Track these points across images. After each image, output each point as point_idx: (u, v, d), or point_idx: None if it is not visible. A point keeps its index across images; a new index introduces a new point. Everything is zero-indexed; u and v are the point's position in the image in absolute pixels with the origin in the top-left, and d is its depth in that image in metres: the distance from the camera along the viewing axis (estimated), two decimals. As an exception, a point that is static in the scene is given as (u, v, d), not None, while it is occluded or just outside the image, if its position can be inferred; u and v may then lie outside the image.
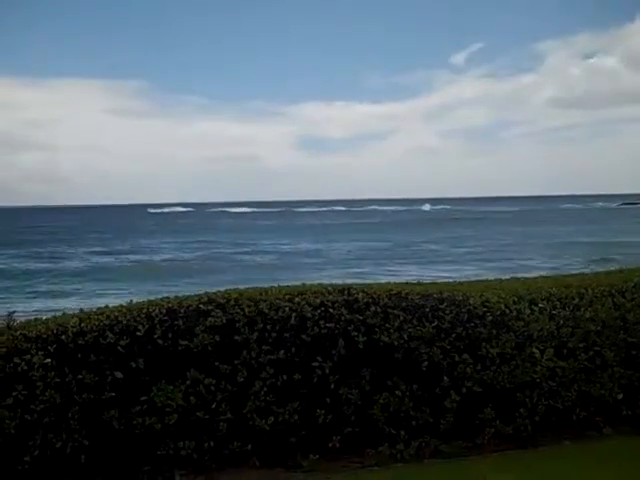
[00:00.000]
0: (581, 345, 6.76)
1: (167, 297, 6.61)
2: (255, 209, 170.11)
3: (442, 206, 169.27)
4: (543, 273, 9.00)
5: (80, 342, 5.93)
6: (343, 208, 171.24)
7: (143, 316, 6.14)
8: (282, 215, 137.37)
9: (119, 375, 5.89)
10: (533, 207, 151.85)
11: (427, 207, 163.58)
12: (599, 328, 6.87)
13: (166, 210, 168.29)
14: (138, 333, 6.02)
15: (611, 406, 6.79)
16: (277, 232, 79.07)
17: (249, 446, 6.02)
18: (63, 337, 5.94)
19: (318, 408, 6.15)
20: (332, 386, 6.19)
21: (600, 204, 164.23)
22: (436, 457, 6.28)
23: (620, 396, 6.76)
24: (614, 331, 6.90)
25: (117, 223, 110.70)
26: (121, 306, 6.38)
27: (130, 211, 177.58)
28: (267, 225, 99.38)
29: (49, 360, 5.80)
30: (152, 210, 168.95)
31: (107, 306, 6.46)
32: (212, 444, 5.95)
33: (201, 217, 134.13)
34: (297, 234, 74.05)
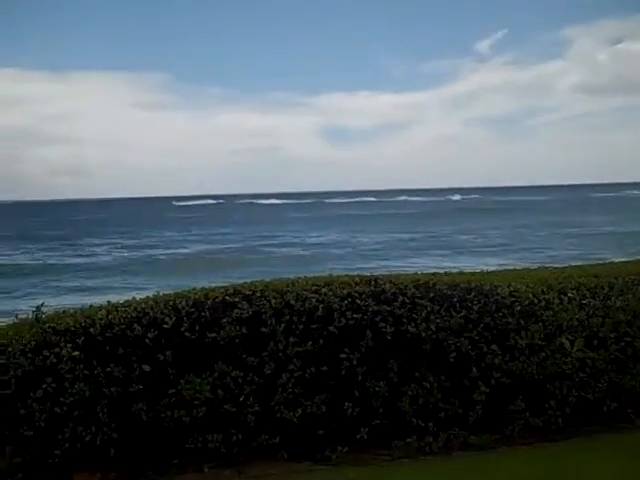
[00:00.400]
0: (612, 335, 6.68)
1: (194, 288, 6.61)
2: (285, 200, 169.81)
3: (473, 195, 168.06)
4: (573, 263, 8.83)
5: (108, 335, 5.95)
6: (373, 199, 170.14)
7: (170, 308, 6.15)
8: (313, 207, 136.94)
9: (147, 368, 5.90)
10: (565, 196, 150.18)
11: (457, 197, 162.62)
12: (630, 318, 6.78)
13: (192, 203, 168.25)
14: (165, 325, 6.02)
15: (643, 397, 6.71)
16: (308, 224, 78.93)
17: (277, 439, 6.01)
18: (91, 330, 5.96)
19: (346, 400, 6.12)
20: (360, 378, 6.17)
21: (635, 192, 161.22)
22: (465, 449, 6.23)
23: (652, 387, 6.68)
24: (645, 321, 6.80)
25: (143, 216, 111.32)
26: (148, 298, 6.39)
27: (155, 204, 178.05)
28: (297, 217, 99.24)
29: (77, 353, 5.83)
30: (177, 203, 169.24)
31: (134, 298, 6.48)
32: (240, 437, 5.95)
33: (229, 209, 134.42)
34: (327, 226, 73.83)
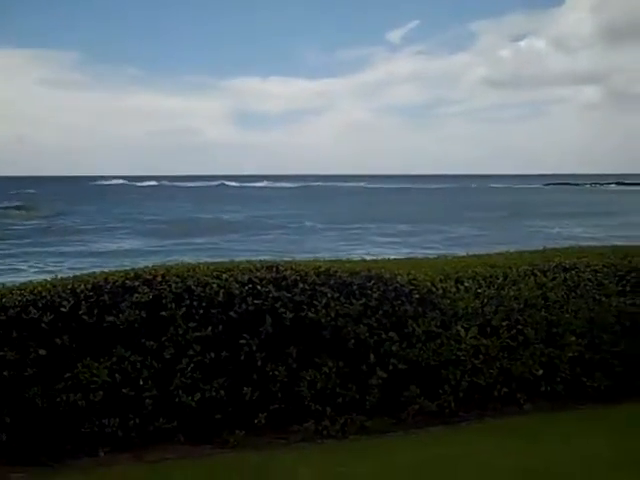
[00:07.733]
0: (504, 323, 6.91)
1: (93, 272, 6.51)
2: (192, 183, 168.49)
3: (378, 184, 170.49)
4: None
5: (2, 318, 5.82)
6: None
7: (68, 292, 6.03)
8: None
9: (43, 352, 5.80)
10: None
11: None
12: (522, 306, 7.03)
13: (114, 182, 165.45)
14: (63, 309, 5.92)
15: (531, 382, 6.98)
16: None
17: (175, 423, 6.01)
18: (-17, 313, 5.81)
19: (245, 385, 6.17)
20: (259, 363, 6.22)
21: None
22: (361, 433, 6.37)
23: (540, 372, 6.95)
24: (536, 309, 7.07)
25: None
26: (45, 281, 6.25)
27: (72, 183, 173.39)
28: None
29: None
30: (96, 183, 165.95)
31: (31, 281, 6.34)
32: (137, 421, 5.93)
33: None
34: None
